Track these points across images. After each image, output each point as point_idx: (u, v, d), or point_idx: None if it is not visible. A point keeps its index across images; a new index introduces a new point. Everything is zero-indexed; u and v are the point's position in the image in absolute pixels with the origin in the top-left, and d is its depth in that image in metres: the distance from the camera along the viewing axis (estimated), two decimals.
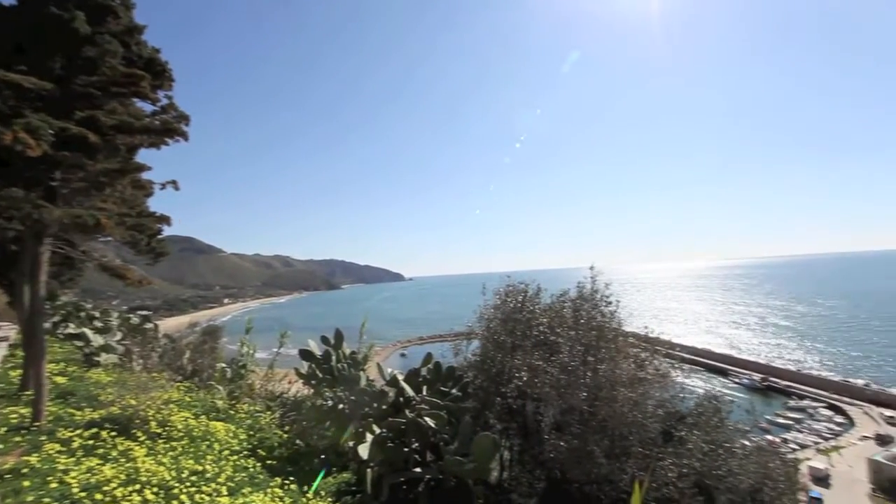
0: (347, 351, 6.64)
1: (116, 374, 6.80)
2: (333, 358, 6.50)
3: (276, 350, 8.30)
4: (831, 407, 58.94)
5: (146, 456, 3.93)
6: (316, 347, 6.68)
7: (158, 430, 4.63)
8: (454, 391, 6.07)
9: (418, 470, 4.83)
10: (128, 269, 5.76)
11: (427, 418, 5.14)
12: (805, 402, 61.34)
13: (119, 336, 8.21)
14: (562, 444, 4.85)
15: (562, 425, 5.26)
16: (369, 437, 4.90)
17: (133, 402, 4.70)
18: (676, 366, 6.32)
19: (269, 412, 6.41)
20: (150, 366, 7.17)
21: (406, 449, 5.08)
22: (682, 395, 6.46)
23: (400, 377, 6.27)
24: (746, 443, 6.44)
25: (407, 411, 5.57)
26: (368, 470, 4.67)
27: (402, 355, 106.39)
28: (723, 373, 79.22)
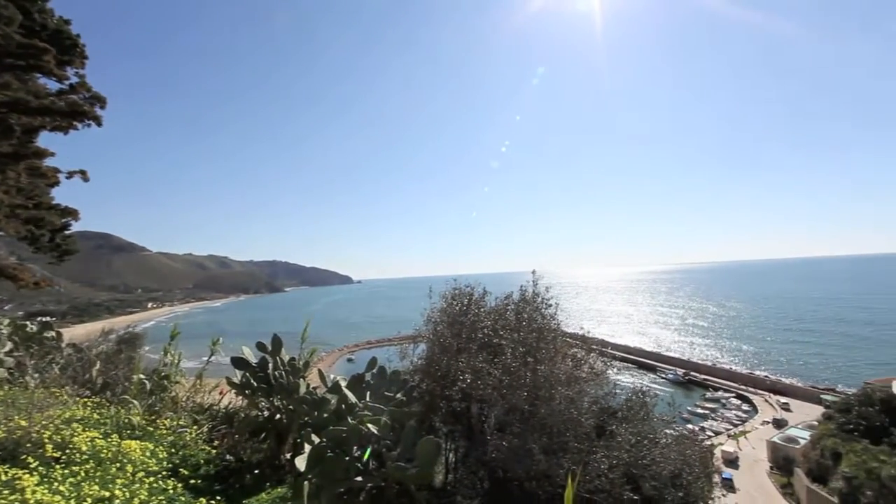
0: (286, 357, 6.28)
1: (3, 392, 5.87)
2: (270, 365, 6.12)
3: (206, 358, 7.65)
4: (739, 396, 66.42)
5: (38, 485, 3.39)
6: (251, 354, 6.25)
7: (56, 454, 4.02)
8: (399, 396, 5.96)
9: (359, 479, 4.67)
10: (22, 268, 5.01)
11: (370, 425, 5.00)
12: (719, 394, 68.59)
13: (9, 347, 7.09)
14: (504, 443, 4.94)
15: (504, 425, 5.37)
16: (308, 447, 4.66)
17: (23, 423, 4.05)
18: (609, 363, 6.72)
19: (195, 427, 5.86)
20: (50, 380, 6.27)
21: (347, 458, 4.89)
22: (615, 391, 6.89)
23: (343, 383, 6.05)
24: (671, 432, 7.02)
25: (349, 418, 5.38)
26: (306, 483, 4.43)
27: (349, 360, 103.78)
28: (652, 369, 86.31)
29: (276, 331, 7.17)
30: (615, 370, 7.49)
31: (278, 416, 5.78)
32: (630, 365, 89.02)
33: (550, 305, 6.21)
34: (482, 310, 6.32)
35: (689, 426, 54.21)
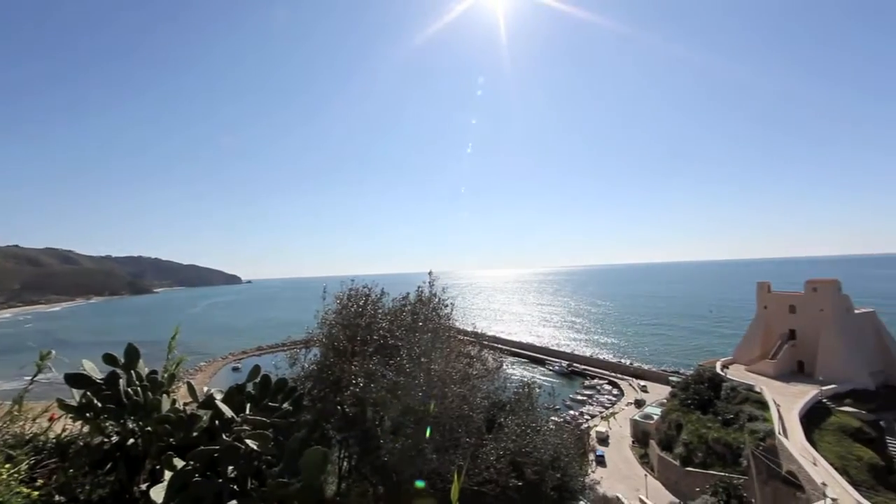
0: (145, 371, 5.35)
1: None
2: (122, 381, 5.13)
3: (30, 377, 6.14)
4: (611, 382, 76.69)
5: None
6: (95, 369, 5.18)
7: None
8: (286, 406, 5.50)
9: (233, 502, 4.17)
10: None
11: (249, 440, 4.51)
12: (595, 381, 78.36)
13: None
14: (397, 445, 4.89)
15: (398, 427, 5.33)
16: (168, 475, 4.01)
17: None
18: (499, 359, 7.14)
19: (8, 465, 4.64)
20: None
21: (220, 480, 4.34)
22: (507, 384, 7.35)
23: (218, 396, 5.37)
24: (556, 419, 7.74)
25: (224, 436, 4.79)
26: None
27: (235, 369, 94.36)
28: (541, 362, 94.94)
29: (135, 340, 6.08)
30: (509, 365, 8.00)
31: (131, 440, 4.88)
32: (523, 359, 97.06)
33: (447, 306, 6.36)
34: (379, 311, 6.20)
35: (571, 412, 61.12)
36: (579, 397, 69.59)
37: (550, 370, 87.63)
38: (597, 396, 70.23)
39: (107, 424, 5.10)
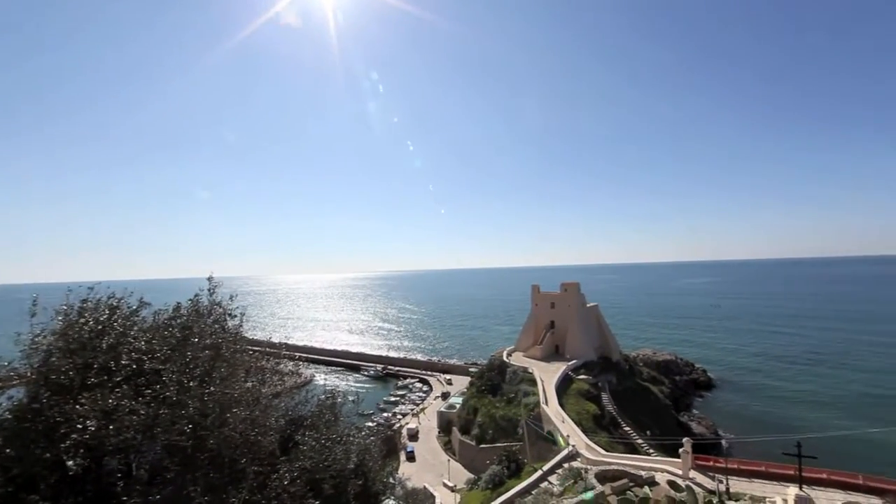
0: None
1: None
2: None
3: None
4: (422, 380, 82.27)
5: None
6: None
7: None
8: None
9: None
10: None
11: None
12: (408, 381, 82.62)
13: None
14: (150, 498, 3.78)
15: (157, 473, 4.15)
16: None
17: None
18: (298, 370, 6.54)
19: None
20: None
21: None
22: (311, 397, 6.76)
23: None
24: (370, 424, 7.54)
25: None
26: None
27: None
28: (356, 368, 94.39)
29: None
30: (322, 375, 7.41)
31: None
32: (337, 368, 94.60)
33: (235, 316, 5.40)
34: (134, 328, 4.75)
35: (385, 414, 62.77)
36: (392, 398, 72.19)
37: (366, 375, 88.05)
38: (409, 395, 74.27)
39: None
